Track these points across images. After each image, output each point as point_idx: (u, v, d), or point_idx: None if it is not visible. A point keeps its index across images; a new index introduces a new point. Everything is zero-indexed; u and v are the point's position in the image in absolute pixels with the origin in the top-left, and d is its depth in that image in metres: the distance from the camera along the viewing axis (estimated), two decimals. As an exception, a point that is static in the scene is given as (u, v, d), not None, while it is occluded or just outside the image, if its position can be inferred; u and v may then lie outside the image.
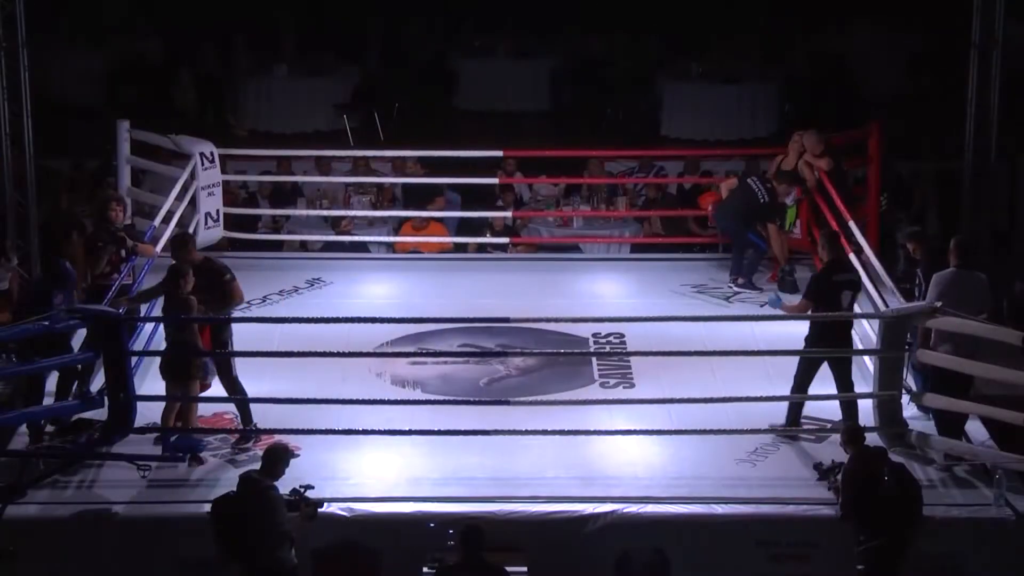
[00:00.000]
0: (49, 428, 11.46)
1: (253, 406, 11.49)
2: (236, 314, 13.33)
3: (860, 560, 10.24)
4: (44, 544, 10.41)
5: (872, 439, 10.83)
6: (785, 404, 11.62)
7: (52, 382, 11.72)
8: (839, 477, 10.47)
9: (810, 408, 11.69)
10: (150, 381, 11.68)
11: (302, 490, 10.00)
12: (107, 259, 12.62)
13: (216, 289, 11.54)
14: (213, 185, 14.74)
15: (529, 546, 10.38)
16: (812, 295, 11.42)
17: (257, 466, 10.06)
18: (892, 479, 10.19)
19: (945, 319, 11.05)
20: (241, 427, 11.40)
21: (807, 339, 11.43)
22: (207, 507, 10.30)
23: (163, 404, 11.28)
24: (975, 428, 11.45)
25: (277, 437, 11.12)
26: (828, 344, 11.25)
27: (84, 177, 17.01)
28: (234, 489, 9.89)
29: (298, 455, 10.21)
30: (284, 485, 9.92)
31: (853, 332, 11.77)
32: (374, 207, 16.30)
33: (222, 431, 11.44)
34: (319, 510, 10.07)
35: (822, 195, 14.16)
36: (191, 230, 14.39)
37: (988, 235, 15.63)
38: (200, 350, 11.34)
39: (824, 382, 12.05)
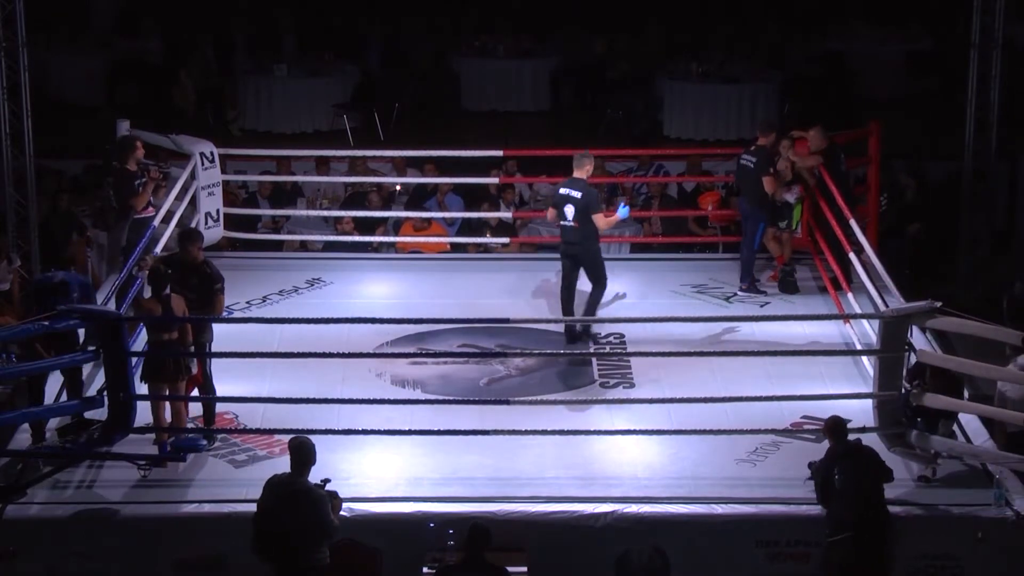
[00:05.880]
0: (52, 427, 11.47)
1: (255, 406, 11.50)
2: (237, 314, 13.43)
3: (823, 553, 10.28)
4: (44, 544, 10.41)
5: (872, 439, 10.81)
6: (785, 404, 11.64)
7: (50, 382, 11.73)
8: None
9: (811, 408, 11.69)
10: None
11: (322, 484, 9.96)
12: (148, 194, 13.20)
13: (204, 292, 11.50)
14: (213, 185, 14.72)
15: (529, 546, 10.39)
16: None
17: (257, 466, 10.04)
18: (846, 477, 10.18)
19: (945, 319, 11.02)
20: (242, 427, 11.40)
21: None
22: (207, 507, 10.31)
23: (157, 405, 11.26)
24: (975, 428, 11.44)
25: (277, 437, 11.13)
26: None
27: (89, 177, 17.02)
28: (262, 494, 9.80)
29: None
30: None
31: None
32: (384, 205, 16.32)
33: (222, 431, 11.42)
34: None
35: (823, 194, 14.13)
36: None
37: (988, 235, 15.65)
38: (187, 350, 11.24)
39: (825, 382, 12.09)
